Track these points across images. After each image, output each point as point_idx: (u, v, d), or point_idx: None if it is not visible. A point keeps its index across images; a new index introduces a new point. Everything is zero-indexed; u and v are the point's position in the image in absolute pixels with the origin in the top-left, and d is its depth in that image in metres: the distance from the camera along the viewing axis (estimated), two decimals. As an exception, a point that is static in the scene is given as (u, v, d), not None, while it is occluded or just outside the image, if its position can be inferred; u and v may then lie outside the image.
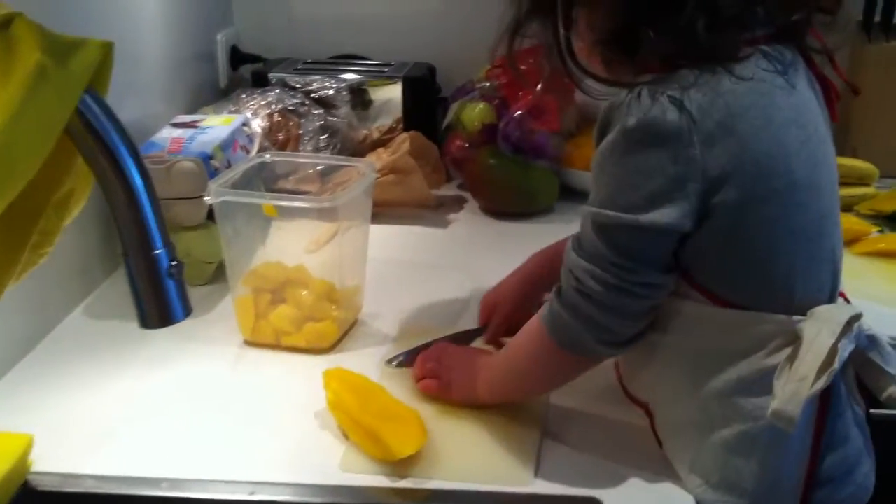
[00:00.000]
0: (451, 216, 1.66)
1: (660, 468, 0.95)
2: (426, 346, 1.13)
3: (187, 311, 0.74)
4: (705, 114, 0.79)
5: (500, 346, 1.15)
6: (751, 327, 0.83)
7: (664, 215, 0.80)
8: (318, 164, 1.35)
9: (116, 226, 0.71)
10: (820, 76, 0.90)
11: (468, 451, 0.98)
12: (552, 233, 1.47)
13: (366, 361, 1.17)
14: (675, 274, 0.85)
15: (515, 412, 1.03)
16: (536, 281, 1.15)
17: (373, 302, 1.30)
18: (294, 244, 1.23)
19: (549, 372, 0.96)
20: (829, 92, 0.91)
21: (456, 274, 1.42)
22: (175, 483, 0.94)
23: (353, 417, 0.98)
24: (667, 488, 0.93)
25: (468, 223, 1.64)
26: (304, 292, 1.20)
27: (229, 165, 1.41)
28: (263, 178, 1.36)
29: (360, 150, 1.76)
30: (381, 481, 0.94)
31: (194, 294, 1.36)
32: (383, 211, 1.55)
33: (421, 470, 0.95)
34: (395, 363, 1.14)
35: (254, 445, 1.00)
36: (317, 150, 1.71)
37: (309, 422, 1.04)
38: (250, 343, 1.21)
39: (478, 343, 1.18)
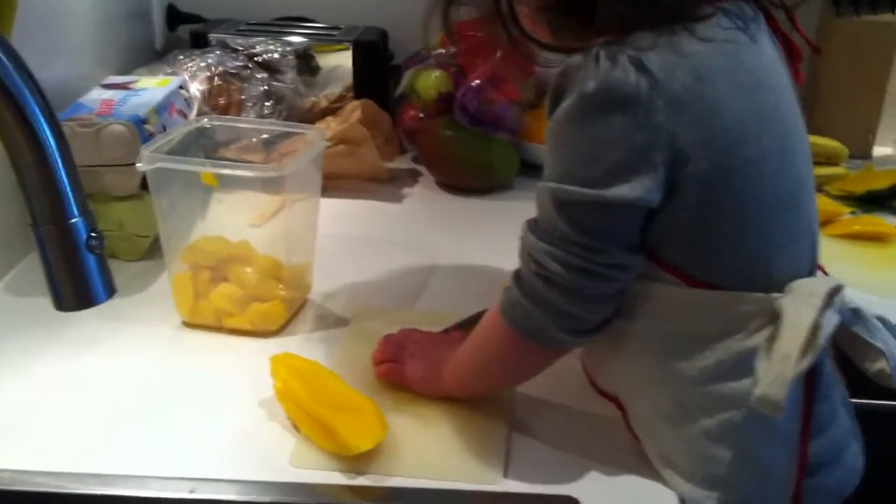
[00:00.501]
0: (406, 190, 1.57)
1: (638, 463, 0.87)
2: (477, 316, 1.02)
3: (110, 291, 0.64)
4: (670, 76, 0.72)
5: None
6: (727, 308, 0.77)
7: (630, 189, 0.73)
8: (262, 132, 1.24)
9: (22, 189, 0.60)
10: (782, 34, 0.84)
11: (431, 446, 0.89)
12: (511, 210, 1.39)
13: (316, 346, 1.07)
14: (643, 253, 0.78)
15: (480, 403, 0.94)
16: None
17: (323, 280, 1.20)
18: (236, 217, 1.13)
19: (514, 364, 0.88)
20: (791, 52, 0.85)
21: (412, 252, 1.33)
22: (104, 479, 0.84)
23: (304, 408, 0.88)
24: (647, 485, 0.85)
25: (423, 198, 1.55)
26: (248, 269, 1.09)
27: (165, 130, 1.30)
28: (202, 146, 1.25)
29: (307, 118, 1.65)
30: (335, 478, 0.85)
31: (127, 271, 1.28)
32: (333, 184, 1.45)
33: (380, 466, 0.86)
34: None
35: (193, 438, 0.90)
36: (260, 116, 1.61)
37: (255, 412, 0.94)
38: (189, 325, 1.10)
39: None
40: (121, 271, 1.24)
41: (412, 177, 1.62)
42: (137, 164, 1.02)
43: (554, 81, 0.76)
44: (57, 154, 0.58)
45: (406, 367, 0.96)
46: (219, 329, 1.09)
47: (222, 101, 1.55)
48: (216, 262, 1.10)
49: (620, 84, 0.72)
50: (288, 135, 1.32)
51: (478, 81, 1.52)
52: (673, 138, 0.72)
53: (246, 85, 1.59)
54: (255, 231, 1.12)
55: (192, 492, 0.83)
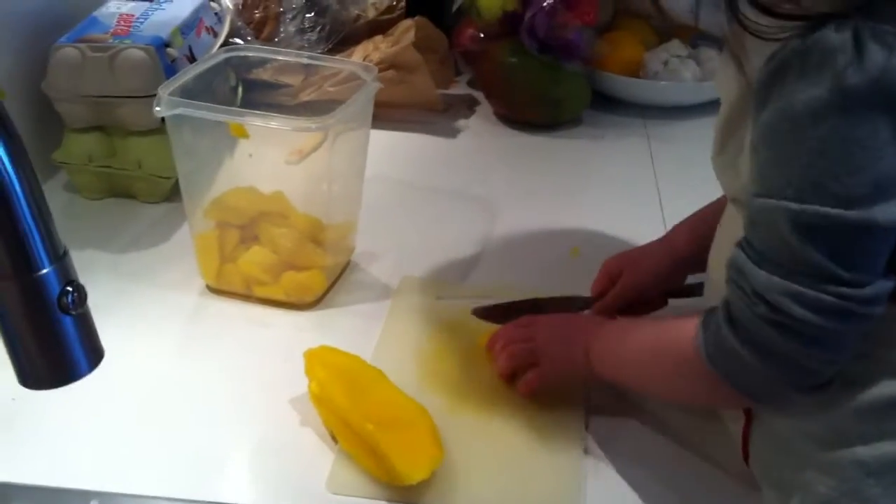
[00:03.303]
0: (460, 122, 1.39)
1: (743, 495, 0.74)
2: (515, 304, 0.91)
3: (95, 359, 0.48)
4: None
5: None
6: None
7: None
8: (303, 62, 1.07)
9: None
10: None
11: (494, 473, 0.75)
12: (582, 150, 1.23)
13: (357, 324, 0.92)
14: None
15: (550, 417, 0.80)
16: (682, 256, 0.89)
17: (366, 237, 1.05)
18: (270, 159, 0.96)
19: (696, 399, 0.75)
20: None
21: (467, 202, 1.17)
22: (107, 499, 0.71)
23: (346, 420, 0.74)
24: None
25: (480, 132, 1.37)
26: (283, 231, 0.94)
27: (191, 54, 1.13)
28: (234, 66, 1.09)
29: (352, 33, 1.47)
30: (381, 510, 0.71)
31: (146, 215, 1.12)
32: (379, 113, 1.26)
33: (434, 497, 0.72)
34: (478, 313, 0.92)
35: (210, 449, 0.76)
36: (300, 31, 1.43)
37: (286, 414, 0.80)
38: (214, 290, 0.96)
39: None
40: (139, 215, 1.10)
41: (468, 106, 1.45)
42: (155, 109, 0.85)
43: (774, 59, 0.59)
44: (14, 180, 0.41)
45: (555, 369, 0.81)
46: (247, 297, 0.95)
47: (258, 14, 1.37)
48: (246, 219, 0.95)
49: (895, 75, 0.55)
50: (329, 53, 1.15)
51: (550, 1, 1.32)
52: None
53: (285, -6, 1.41)
54: (293, 182, 0.96)
55: (210, 521, 0.69)
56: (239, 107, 1.01)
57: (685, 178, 1.18)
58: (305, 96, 1.33)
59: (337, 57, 1.25)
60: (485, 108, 1.43)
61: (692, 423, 0.80)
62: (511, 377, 0.83)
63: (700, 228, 0.89)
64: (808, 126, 0.57)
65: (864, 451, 0.66)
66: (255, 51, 1.03)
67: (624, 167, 1.27)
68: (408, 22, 1.37)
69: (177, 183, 1.08)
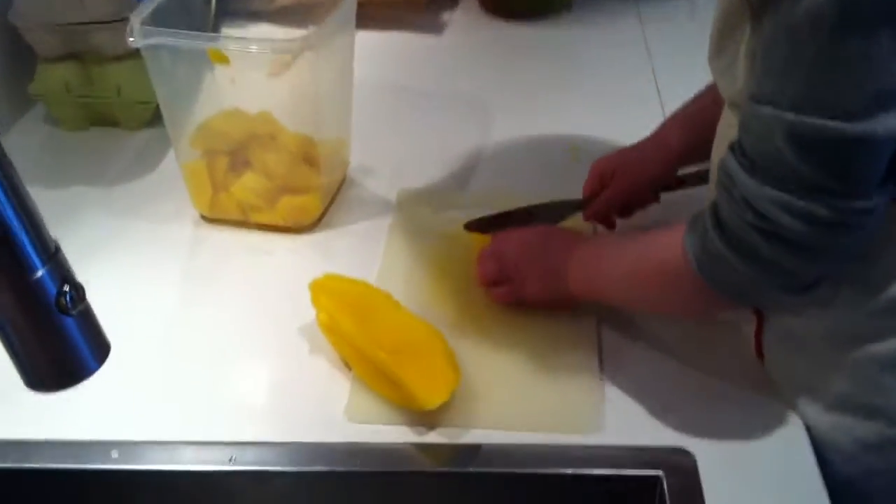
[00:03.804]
0: (445, 16, 1.34)
1: (759, 390, 0.74)
2: (507, 215, 0.88)
3: (103, 354, 0.46)
4: None
5: (606, 221, 0.90)
6: None
7: None
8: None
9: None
10: None
11: (513, 392, 0.74)
12: (572, 37, 1.18)
13: (360, 244, 0.91)
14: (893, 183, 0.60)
15: (564, 335, 0.79)
16: (673, 152, 0.87)
17: (360, 150, 1.02)
18: (253, 80, 0.92)
19: (685, 307, 0.73)
20: None
21: (458, 103, 1.14)
22: (128, 449, 0.70)
23: (359, 350, 0.73)
24: (773, 417, 0.72)
25: (466, 26, 1.33)
26: (274, 155, 0.91)
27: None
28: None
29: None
30: (401, 434, 0.71)
31: (131, 143, 1.08)
32: (361, 12, 1.22)
33: (454, 417, 0.71)
34: (470, 226, 0.90)
35: (224, 388, 0.76)
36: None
37: (296, 343, 0.79)
38: (209, 219, 0.94)
39: (573, 221, 0.90)
40: (123, 145, 1.07)
41: (451, -2, 1.39)
42: (129, 39, 0.81)
43: None
44: None
45: (526, 286, 0.80)
46: (243, 224, 0.92)
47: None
48: (234, 145, 0.92)
49: None
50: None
51: None
52: None
53: None
54: (279, 100, 0.92)
55: (232, 461, 0.69)
56: (214, 21, 0.97)
57: (681, 60, 1.14)
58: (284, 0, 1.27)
59: None
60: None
61: (705, 324, 0.79)
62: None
63: (692, 123, 0.87)
64: (808, 36, 0.54)
65: (878, 348, 0.67)
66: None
67: (618, 53, 1.23)
68: (382, -86, 1.30)
69: (158, 108, 1.05)
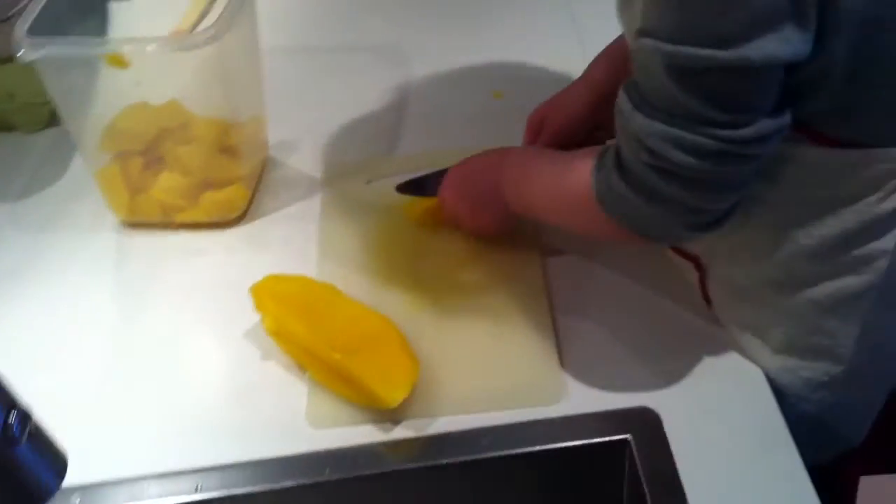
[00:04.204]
0: (343, -41, 1.28)
1: (711, 338, 0.75)
2: (441, 172, 0.85)
3: (60, 470, 0.43)
4: None
5: None
6: (863, 169, 0.63)
7: (780, 43, 0.54)
8: None
9: None
10: None
11: (472, 373, 0.73)
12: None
13: (292, 226, 0.88)
14: (788, 112, 0.59)
15: (515, 307, 0.78)
16: (602, 89, 0.84)
17: (278, 125, 0.97)
18: (156, 71, 0.87)
19: (601, 233, 0.71)
20: None
21: (374, 56, 1.10)
22: (90, 492, 0.68)
23: (311, 352, 0.71)
24: (729, 363, 0.73)
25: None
26: (189, 148, 0.87)
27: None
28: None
29: None
30: (368, 433, 0.70)
31: (34, 147, 1.00)
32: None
33: (418, 407, 0.71)
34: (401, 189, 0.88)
35: (177, 409, 0.73)
36: None
37: (244, 350, 0.76)
38: (130, 224, 0.89)
39: None
40: (26, 149, 1.01)
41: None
42: (18, 53, 0.76)
43: None
44: None
45: (475, 219, 0.81)
46: (168, 224, 0.89)
47: None
48: (146, 143, 0.87)
49: None
50: None
51: None
52: None
53: None
54: (186, 85, 0.87)
55: (198, 489, 0.67)
56: (104, 13, 0.91)
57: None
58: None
59: None
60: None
61: (652, 271, 0.79)
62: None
63: (617, 58, 0.85)
64: None
65: (818, 291, 0.68)
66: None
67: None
68: None
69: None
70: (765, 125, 0.57)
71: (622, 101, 0.60)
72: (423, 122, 0.99)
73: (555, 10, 1.15)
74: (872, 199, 0.64)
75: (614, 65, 0.84)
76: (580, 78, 0.87)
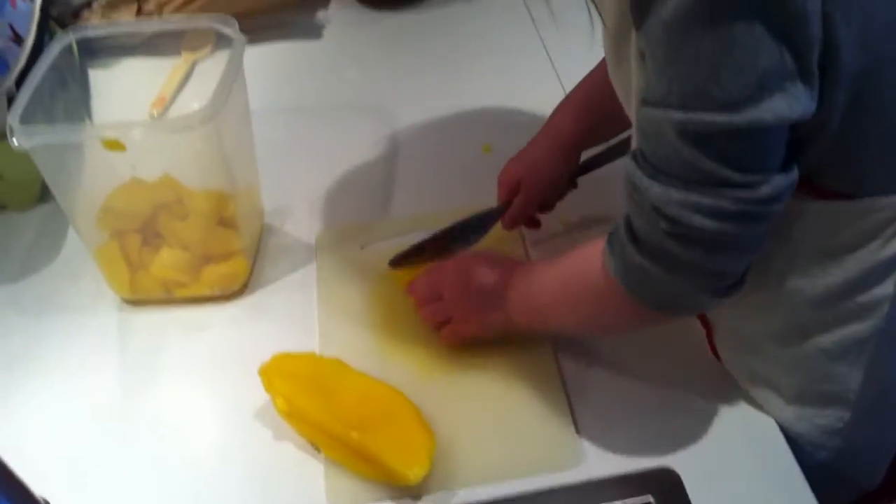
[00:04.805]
0: (320, 15, 1.29)
1: (723, 392, 0.76)
2: (433, 239, 0.86)
3: None
4: None
5: (529, 224, 0.90)
6: (863, 218, 0.64)
7: (789, 103, 0.54)
8: (150, 33, 0.95)
9: None
10: None
11: (488, 441, 0.73)
12: (455, 17, 1.15)
13: (294, 294, 0.88)
14: (796, 168, 0.59)
15: (525, 372, 0.78)
16: (572, 143, 0.86)
17: (271, 191, 0.97)
18: (150, 150, 0.86)
19: (618, 325, 0.73)
20: None
21: (360, 111, 1.10)
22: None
23: (326, 431, 0.71)
24: (742, 416, 0.74)
25: (344, 23, 1.28)
26: (186, 223, 0.86)
27: (14, 33, 0.99)
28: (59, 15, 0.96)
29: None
30: (390, 510, 0.69)
31: (26, 226, 0.98)
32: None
33: (438, 481, 0.70)
34: (395, 264, 0.87)
35: (191, 491, 0.72)
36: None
37: (255, 431, 0.76)
38: (131, 301, 0.89)
39: (497, 232, 0.89)
40: (18, 228, 1.00)
41: (320, -8, 1.33)
42: (12, 142, 0.75)
43: None
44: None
45: (469, 324, 0.79)
46: (170, 300, 0.88)
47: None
48: (142, 220, 0.87)
49: None
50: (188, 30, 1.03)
51: None
52: (828, 26, 0.54)
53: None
54: (178, 160, 0.86)
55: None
56: (80, 67, 0.90)
57: (567, 20, 1.12)
58: (149, 29, 1.20)
59: (189, 16, 1.13)
60: (339, -9, 1.33)
61: (659, 330, 0.79)
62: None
63: (583, 107, 0.86)
64: (683, 33, 0.54)
65: (825, 339, 0.69)
66: (92, 30, 0.89)
67: (504, 25, 1.21)
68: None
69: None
70: (779, 182, 0.58)
71: (633, 173, 0.60)
72: (414, 180, 1.00)
73: (531, 53, 1.16)
74: (873, 245, 0.64)
75: (582, 117, 0.86)
76: (546, 129, 0.88)
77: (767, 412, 0.74)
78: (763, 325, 0.71)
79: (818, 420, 0.72)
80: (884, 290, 0.66)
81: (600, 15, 0.63)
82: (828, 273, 0.66)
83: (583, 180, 0.90)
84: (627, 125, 0.67)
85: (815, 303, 0.67)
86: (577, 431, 0.73)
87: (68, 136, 0.76)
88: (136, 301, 0.88)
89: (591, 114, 0.84)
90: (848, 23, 0.54)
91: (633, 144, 0.62)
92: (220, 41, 0.86)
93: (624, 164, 0.61)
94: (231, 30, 0.84)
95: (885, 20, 0.57)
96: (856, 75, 0.57)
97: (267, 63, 1.18)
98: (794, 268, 0.67)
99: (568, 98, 0.87)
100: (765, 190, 0.57)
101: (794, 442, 0.72)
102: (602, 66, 0.80)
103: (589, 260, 0.67)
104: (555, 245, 0.90)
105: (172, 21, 0.91)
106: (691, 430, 0.73)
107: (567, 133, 0.86)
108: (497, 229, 0.89)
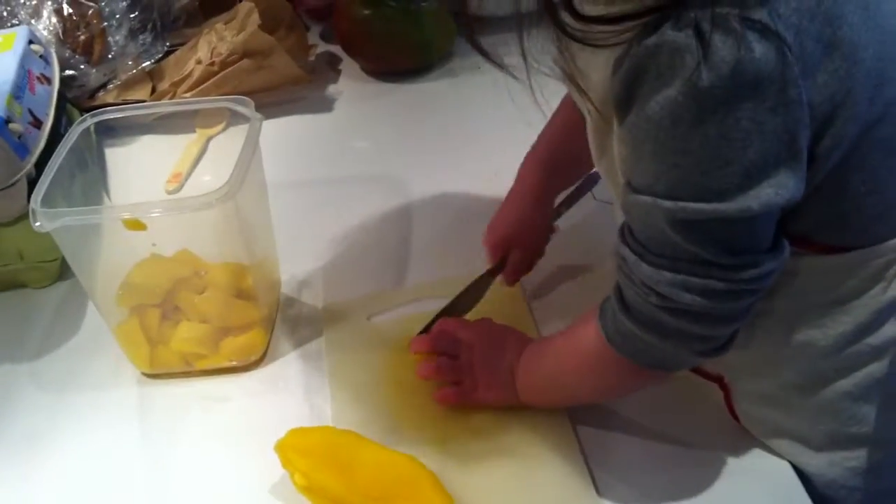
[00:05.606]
0: (331, 90, 1.32)
1: (744, 451, 0.76)
2: (445, 311, 0.87)
3: None
4: (799, 31, 0.54)
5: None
6: (861, 267, 0.65)
7: (777, 189, 0.56)
8: (166, 111, 0.97)
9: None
10: None
11: (507, 494, 0.74)
12: (464, 86, 1.17)
13: (311, 364, 0.88)
14: (785, 247, 0.62)
15: (534, 420, 0.78)
16: (545, 194, 0.92)
17: (287, 262, 0.99)
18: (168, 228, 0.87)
19: (619, 388, 0.75)
20: None
21: (373, 181, 1.12)
22: None
23: (349, 504, 0.71)
24: (766, 470, 0.74)
25: (354, 96, 1.31)
26: (205, 296, 0.88)
27: (33, 118, 1.02)
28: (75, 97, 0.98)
29: (186, 23, 1.36)
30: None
31: (46, 303, 1.00)
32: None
33: (459, 547, 0.70)
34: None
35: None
36: (131, 35, 1.31)
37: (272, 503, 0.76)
38: (151, 375, 0.90)
39: (496, 290, 0.91)
40: (38, 305, 1.01)
41: (331, 67, 1.37)
42: (35, 224, 0.77)
43: (628, 64, 0.55)
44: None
45: (478, 391, 0.80)
46: (189, 373, 0.89)
47: (82, 36, 1.24)
48: (161, 296, 0.88)
49: (747, 67, 0.52)
50: (169, 51, 1.05)
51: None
52: (813, 108, 0.56)
53: (102, 3, 1.28)
54: (196, 234, 0.88)
55: None
56: (97, 148, 0.92)
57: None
58: (166, 110, 1.23)
59: (206, 98, 1.16)
60: (349, 64, 1.36)
61: (675, 394, 0.79)
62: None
63: (549, 164, 0.90)
64: (669, 127, 0.55)
65: (846, 383, 0.69)
66: (107, 113, 0.91)
67: (513, 97, 1.22)
68: (247, 3, 1.26)
69: (64, 260, 1.00)
70: (768, 262, 0.60)
71: (622, 250, 0.62)
72: (426, 250, 1.01)
73: (541, 123, 1.17)
74: (877, 289, 0.66)
75: (546, 164, 0.90)
76: (518, 187, 0.92)
77: (795, 462, 0.74)
78: (782, 380, 0.72)
79: (849, 463, 0.72)
80: (894, 328, 0.67)
81: (589, 105, 0.64)
82: (837, 322, 0.67)
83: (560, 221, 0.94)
84: (591, 165, 0.71)
85: (830, 351, 0.68)
86: (597, 496, 0.73)
87: (91, 218, 0.78)
88: (156, 374, 0.89)
89: (557, 163, 0.89)
90: (832, 94, 0.56)
91: (618, 219, 0.64)
92: (234, 117, 0.88)
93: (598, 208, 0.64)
94: (247, 110, 0.86)
95: (867, 80, 0.58)
96: (843, 144, 0.59)
97: (280, 136, 1.21)
98: (803, 321, 0.68)
99: (533, 151, 0.91)
100: (754, 271, 0.59)
101: (827, 489, 0.73)
102: (557, 115, 0.86)
103: (584, 329, 0.69)
104: (553, 299, 0.92)
105: (189, 102, 0.93)
106: (714, 490, 0.73)
107: (540, 185, 0.91)
108: (497, 286, 0.91)
